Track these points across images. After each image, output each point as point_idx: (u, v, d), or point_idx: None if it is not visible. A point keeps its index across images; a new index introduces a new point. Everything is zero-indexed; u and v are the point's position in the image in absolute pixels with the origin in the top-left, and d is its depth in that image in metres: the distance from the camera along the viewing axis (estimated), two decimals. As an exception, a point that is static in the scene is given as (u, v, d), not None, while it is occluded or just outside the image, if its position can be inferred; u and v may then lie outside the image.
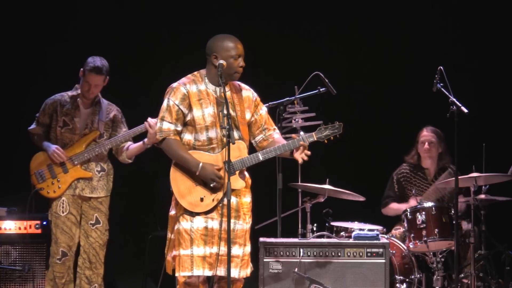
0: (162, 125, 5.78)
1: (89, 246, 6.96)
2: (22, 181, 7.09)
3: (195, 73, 5.86)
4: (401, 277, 7.09)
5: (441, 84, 6.73)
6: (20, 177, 7.15)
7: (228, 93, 5.81)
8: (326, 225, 7.18)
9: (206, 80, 5.82)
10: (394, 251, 7.12)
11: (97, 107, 6.97)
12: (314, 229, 7.04)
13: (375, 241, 6.60)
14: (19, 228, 7.28)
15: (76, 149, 6.91)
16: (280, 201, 6.88)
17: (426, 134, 7.75)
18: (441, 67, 6.71)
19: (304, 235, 7.05)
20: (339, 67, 8.44)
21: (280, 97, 6.97)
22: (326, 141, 5.86)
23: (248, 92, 5.94)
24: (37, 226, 7.26)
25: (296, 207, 7.25)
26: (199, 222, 5.72)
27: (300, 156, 5.79)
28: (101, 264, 7.00)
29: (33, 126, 7.04)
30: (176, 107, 5.75)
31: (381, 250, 6.58)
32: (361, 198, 7.15)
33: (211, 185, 5.70)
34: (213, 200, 5.72)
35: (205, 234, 5.72)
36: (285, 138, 5.95)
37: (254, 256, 6.40)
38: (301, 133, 5.90)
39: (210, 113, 5.76)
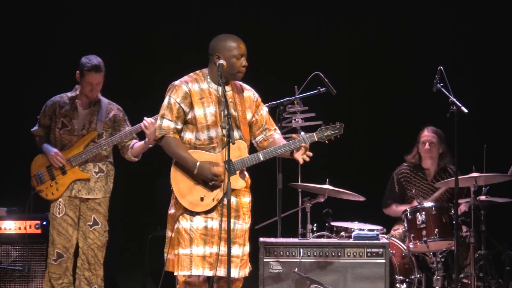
0: (162, 122, 5.78)
1: (87, 247, 6.95)
2: (22, 181, 7.09)
3: (197, 72, 5.86)
4: (401, 277, 7.09)
5: (441, 84, 6.73)
6: (20, 177, 7.15)
7: (230, 93, 5.81)
8: (326, 225, 7.18)
9: (209, 79, 5.82)
10: (394, 251, 7.12)
11: (96, 107, 6.96)
12: (314, 229, 7.04)
13: (375, 241, 6.60)
14: (19, 228, 7.28)
15: (75, 151, 6.90)
16: (280, 201, 6.88)
17: (427, 134, 7.74)
18: (441, 67, 6.71)
19: (304, 235, 7.05)
20: (339, 67, 8.44)
21: (280, 97, 6.97)
22: (327, 141, 5.86)
23: (250, 93, 5.94)
24: (37, 226, 7.26)
25: (296, 207, 7.26)
26: (199, 222, 5.72)
27: (301, 156, 5.79)
28: (100, 266, 6.99)
29: (35, 127, 7.06)
30: (177, 105, 5.75)
31: (381, 250, 6.57)
32: (361, 198, 7.15)
33: (210, 183, 5.70)
34: (213, 199, 5.72)
35: (205, 234, 5.72)
36: (286, 138, 5.95)
37: (254, 256, 6.41)
38: (302, 133, 5.90)
39: (211, 112, 5.76)
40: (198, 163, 5.69)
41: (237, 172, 5.75)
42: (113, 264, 7.80)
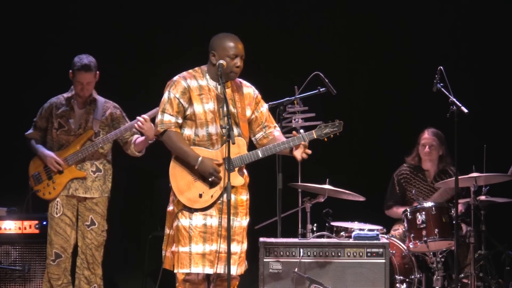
0: (163, 117, 5.78)
1: (86, 247, 6.96)
2: (22, 181, 7.09)
3: (196, 68, 5.87)
4: (401, 277, 7.09)
5: (441, 84, 6.73)
6: (21, 177, 7.15)
7: (229, 91, 5.82)
8: (326, 225, 7.18)
9: (207, 76, 5.82)
10: (394, 251, 7.12)
11: (92, 106, 6.96)
12: (314, 229, 7.04)
13: (375, 241, 6.60)
14: (19, 228, 7.28)
15: (71, 150, 6.90)
16: (280, 201, 6.88)
17: (427, 137, 7.73)
18: (441, 67, 6.70)
19: (304, 235, 7.05)
20: (339, 67, 8.44)
21: (280, 97, 6.97)
22: (326, 139, 5.85)
23: (250, 89, 5.95)
24: (37, 226, 7.26)
25: (296, 207, 7.25)
26: (198, 220, 5.72)
27: (300, 154, 5.78)
28: (99, 265, 6.99)
29: (30, 131, 7.06)
30: (177, 100, 5.75)
31: (381, 250, 6.58)
32: (361, 198, 7.15)
33: (210, 179, 5.70)
34: (211, 196, 5.72)
35: (204, 232, 5.72)
36: (285, 137, 5.94)
37: (254, 256, 6.41)
38: (301, 131, 5.90)
39: (210, 109, 5.76)
40: (200, 158, 5.69)
41: (236, 169, 5.75)
42: (113, 264, 7.80)
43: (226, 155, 5.60)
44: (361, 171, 8.46)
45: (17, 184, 7.25)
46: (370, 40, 8.63)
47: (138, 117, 6.72)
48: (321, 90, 7.02)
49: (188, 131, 5.79)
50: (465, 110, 6.62)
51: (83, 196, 6.94)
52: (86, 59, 6.85)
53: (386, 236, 7.06)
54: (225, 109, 5.63)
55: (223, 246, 5.63)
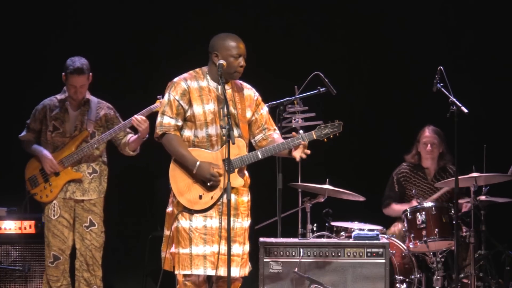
0: (162, 119, 5.78)
1: (85, 248, 6.93)
2: (23, 181, 7.08)
3: (197, 69, 5.86)
4: (401, 277, 7.09)
5: (441, 84, 6.73)
6: (21, 177, 7.14)
7: (229, 91, 5.81)
8: (326, 225, 7.18)
9: (208, 77, 5.82)
10: (394, 251, 7.12)
11: (85, 107, 6.95)
12: (314, 229, 7.04)
13: (375, 241, 6.60)
14: (19, 228, 7.28)
15: (66, 152, 6.89)
16: (280, 201, 6.88)
17: (429, 135, 7.73)
18: (441, 67, 6.70)
19: (304, 235, 7.05)
20: (339, 67, 8.44)
21: (280, 97, 6.97)
22: (325, 139, 5.85)
23: (250, 91, 5.94)
24: (39, 225, 7.25)
25: (296, 207, 7.25)
26: (198, 221, 5.71)
27: (299, 154, 5.77)
28: (99, 266, 6.97)
29: (23, 133, 7.04)
30: (176, 102, 5.75)
31: (381, 250, 6.58)
32: (361, 198, 7.15)
33: (208, 183, 5.70)
34: (211, 198, 5.71)
35: (204, 233, 5.71)
36: (285, 139, 5.94)
37: (254, 256, 6.40)
38: (301, 131, 5.89)
39: (210, 110, 5.75)
40: (198, 163, 5.68)
41: (236, 170, 5.75)
42: (113, 264, 7.80)
43: (226, 156, 5.59)
44: (361, 171, 8.47)
45: (17, 184, 7.24)
46: (370, 40, 8.63)
47: (134, 116, 6.72)
48: (321, 90, 7.02)
49: (187, 132, 5.79)
50: (465, 110, 6.62)
51: (81, 198, 6.92)
52: (78, 61, 6.81)
53: (386, 236, 7.06)
54: (225, 109, 5.62)
55: (224, 248, 5.62)
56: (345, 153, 8.40)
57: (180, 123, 5.78)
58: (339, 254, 6.58)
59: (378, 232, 6.79)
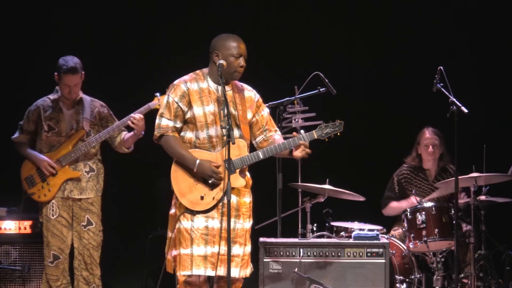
0: (161, 121, 5.79)
1: (83, 247, 6.93)
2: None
3: (198, 71, 5.87)
4: (401, 277, 7.09)
5: (441, 84, 6.73)
6: (20, 177, 7.14)
7: (230, 93, 5.82)
8: (326, 225, 7.18)
9: (208, 78, 5.83)
10: (394, 251, 7.12)
11: (79, 106, 6.94)
12: (314, 229, 7.04)
13: (375, 241, 6.60)
14: (19, 228, 7.28)
15: (63, 151, 6.88)
16: (280, 201, 6.88)
17: (429, 137, 7.71)
18: (441, 67, 6.70)
19: (304, 235, 7.05)
20: (339, 67, 8.44)
21: (280, 97, 6.97)
22: (326, 139, 5.85)
23: (251, 93, 5.95)
24: (39, 225, 7.24)
25: (296, 207, 7.26)
26: (199, 222, 5.72)
27: (300, 153, 5.77)
28: (97, 265, 6.96)
29: (16, 134, 7.02)
30: (175, 104, 5.75)
31: (381, 250, 6.58)
32: (361, 198, 7.15)
33: (210, 181, 5.70)
34: (213, 198, 5.71)
35: (206, 234, 5.71)
36: (286, 139, 5.94)
37: (254, 256, 6.40)
38: (302, 131, 5.89)
39: (211, 111, 5.76)
40: (197, 161, 5.69)
41: (237, 170, 5.75)
42: (113, 264, 7.79)
43: (227, 157, 5.59)
44: (361, 171, 8.47)
45: (18, 184, 7.24)
46: (370, 40, 8.64)
47: (132, 115, 6.72)
48: (321, 90, 7.02)
49: (189, 134, 5.79)
50: (465, 110, 6.62)
51: (79, 197, 6.92)
52: (71, 61, 6.80)
53: (386, 236, 7.07)
54: (225, 109, 5.62)
55: (224, 248, 5.62)
56: (345, 153, 8.40)
57: (178, 125, 5.78)
58: (339, 254, 6.58)
59: (378, 232, 6.79)
